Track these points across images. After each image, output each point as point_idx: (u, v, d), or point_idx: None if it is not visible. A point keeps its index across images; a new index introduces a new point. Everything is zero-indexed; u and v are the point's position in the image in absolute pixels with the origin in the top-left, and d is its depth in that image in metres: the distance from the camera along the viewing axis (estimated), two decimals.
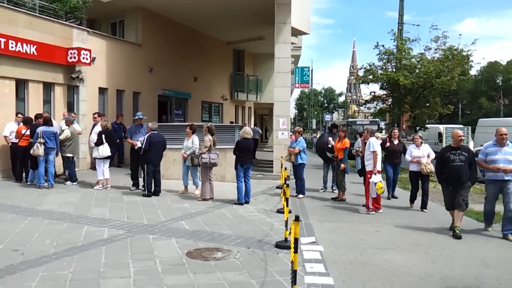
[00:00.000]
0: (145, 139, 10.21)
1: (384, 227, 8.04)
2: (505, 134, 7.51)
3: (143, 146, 10.16)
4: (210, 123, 12.50)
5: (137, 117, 11.68)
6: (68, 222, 7.56)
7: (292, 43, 18.55)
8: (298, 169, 10.83)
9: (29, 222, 7.44)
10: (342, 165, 10.81)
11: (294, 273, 4.00)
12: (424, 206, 9.68)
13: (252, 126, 27.80)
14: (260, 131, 23.43)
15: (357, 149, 11.52)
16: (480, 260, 6.07)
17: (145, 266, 5.33)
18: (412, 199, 10.03)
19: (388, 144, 11.24)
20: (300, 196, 10.79)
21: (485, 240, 7.26)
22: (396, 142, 11.31)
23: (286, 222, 6.41)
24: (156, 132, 10.46)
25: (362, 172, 10.60)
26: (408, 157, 9.95)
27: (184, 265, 5.44)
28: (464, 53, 20.38)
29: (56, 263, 5.41)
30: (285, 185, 7.16)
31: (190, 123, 11.64)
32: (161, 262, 5.51)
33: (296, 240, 4.08)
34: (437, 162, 7.98)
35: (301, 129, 11.87)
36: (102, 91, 16.35)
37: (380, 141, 10.46)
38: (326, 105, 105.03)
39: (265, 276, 5.14)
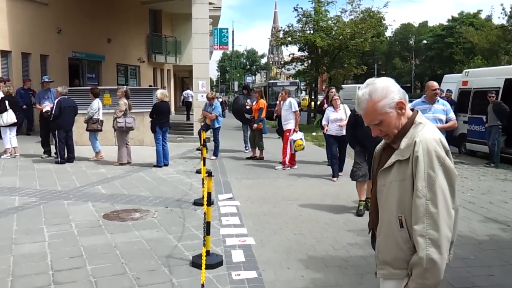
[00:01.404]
0: (55, 104, 9.77)
1: (298, 181, 8.56)
2: (438, 89, 6.63)
3: (53, 112, 9.72)
4: (125, 86, 12.16)
5: (43, 81, 11.08)
6: None
7: (210, 3, 18.19)
8: (214, 132, 11.19)
9: None
10: (255, 125, 11.10)
11: (207, 224, 4.23)
12: (335, 174, 8.70)
13: (166, 89, 27.25)
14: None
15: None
16: None
17: (60, 230, 5.30)
18: (335, 171, 8.74)
19: (325, 105, 10.25)
20: (213, 157, 10.97)
21: None
22: None
23: (203, 180, 6.60)
24: (66, 96, 10.02)
25: (280, 132, 11.06)
26: (324, 122, 8.89)
27: (101, 226, 5.49)
28: (378, 16, 21.54)
29: None
30: (202, 146, 7.34)
31: (92, 87, 11.23)
32: (77, 225, 5.51)
33: (209, 194, 4.30)
34: (348, 124, 6.87)
35: (214, 93, 12.05)
36: (4, 54, 15.10)
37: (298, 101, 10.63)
38: (249, 67, 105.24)
39: (182, 231, 5.35)
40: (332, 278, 4.08)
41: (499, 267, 4.37)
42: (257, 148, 11.44)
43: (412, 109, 2.16)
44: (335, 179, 8.67)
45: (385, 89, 2.06)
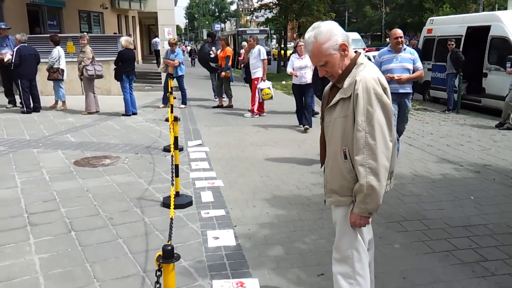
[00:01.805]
0: (15, 52, 9.45)
1: (266, 128, 8.77)
2: (400, 37, 6.16)
3: (13, 60, 9.42)
4: (85, 33, 11.75)
5: None
6: None
7: None
8: (178, 81, 10.95)
9: None
10: (223, 73, 11.06)
11: (176, 167, 4.41)
12: (307, 122, 8.49)
13: (132, 36, 26.46)
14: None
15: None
16: None
17: (32, 177, 5.38)
18: (300, 119, 8.65)
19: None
20: (182, 106, 10.97)
21: None
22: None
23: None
24: (26, 44, 9.70)
25: (248, 79, 11.11)
26: (289, 69, 8.64)
27: (72, 172, 5.59)
28: None
29: None
30: (169, 93, 7.38)
31: (52, 34, 10.79)
32: (48, 172, 5.59)
33: (176, 138, 4.45)
34: (314, 75, 6.83)
35: (176, 40, 11.82)
36: None
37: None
38: (218, 14, 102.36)
39: (153, 175, 5.52)
40: (295, 214, 4.38)
41: (449, 202, 4.76)
42: (224, 97, 11.48)
43: (355, 51, 2.31)
44: (301, 126, 8.57)
45: (329, 32, 2.18)
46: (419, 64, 6.25)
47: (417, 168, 6.00)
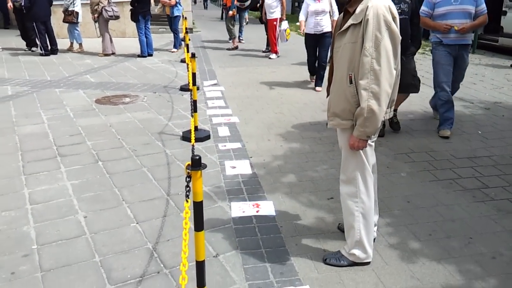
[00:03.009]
0: None
1: (280, 68, 8.86)
2: None
3: (23, 3, 9.44)
4: None
5: None
6: None
7: None
8: (173, 21, 10.33)
9: None
10: (230, 12, 10.85)
11: (194, 102, 4.62)
12: (318, 83, 7.22)
13: None
14: None
15: None
16: None
17: (56, 114, 5.66)
18: (312, 71, 7.49)
19: None
20: (173, 50, 10.65)
21: None
22: None
23: (188, 66, 6.86)
24: None
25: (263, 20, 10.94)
26: (302, 16, 7.04)
27: (95, 110, 5.86)
28: None
29: None
30: (185, 33, 7.47)
31: None
32: (72, 109, 5.86)
33: (193, 75, 4.62)
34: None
35: None
36: None
37: None
38: None
39: (172, 112, 5.76)
40: (307, 147, 4.61)
41: (457, 136, 4.93)
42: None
43: None
44: (319, 88, 7.13)
45: None
46: (483, 6, 4.79)
47: (429, 105, 6.10)
